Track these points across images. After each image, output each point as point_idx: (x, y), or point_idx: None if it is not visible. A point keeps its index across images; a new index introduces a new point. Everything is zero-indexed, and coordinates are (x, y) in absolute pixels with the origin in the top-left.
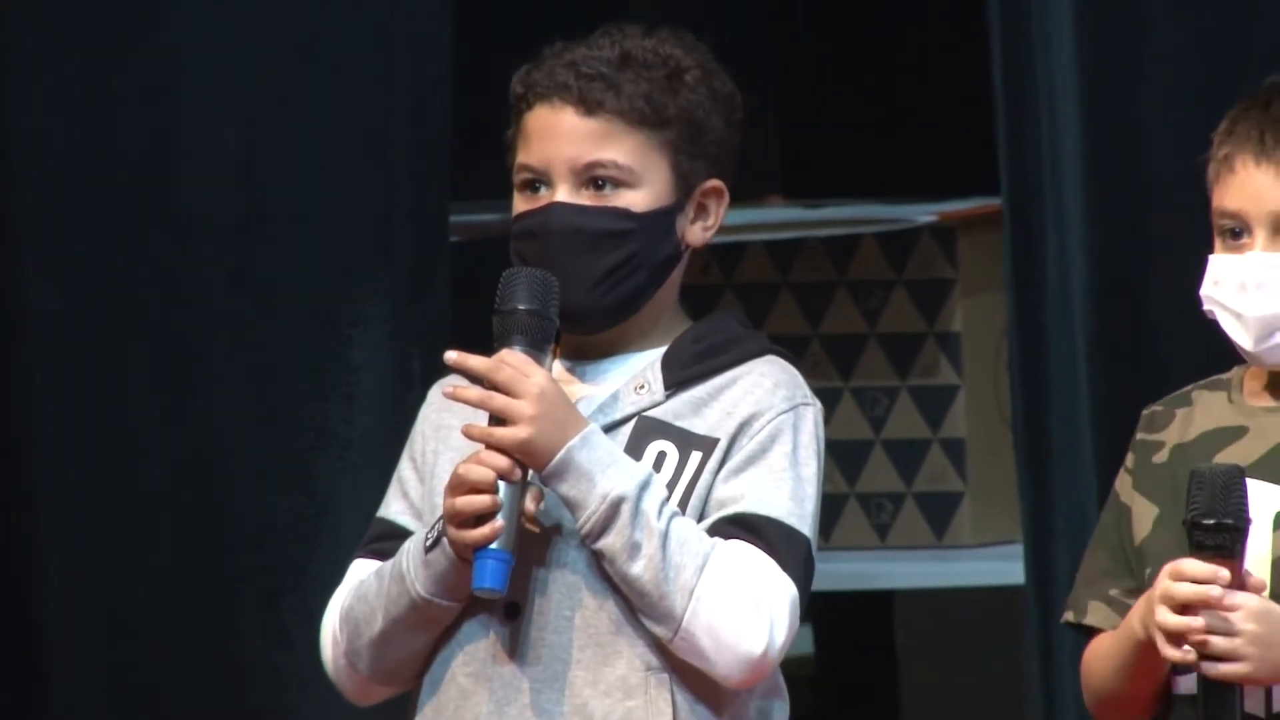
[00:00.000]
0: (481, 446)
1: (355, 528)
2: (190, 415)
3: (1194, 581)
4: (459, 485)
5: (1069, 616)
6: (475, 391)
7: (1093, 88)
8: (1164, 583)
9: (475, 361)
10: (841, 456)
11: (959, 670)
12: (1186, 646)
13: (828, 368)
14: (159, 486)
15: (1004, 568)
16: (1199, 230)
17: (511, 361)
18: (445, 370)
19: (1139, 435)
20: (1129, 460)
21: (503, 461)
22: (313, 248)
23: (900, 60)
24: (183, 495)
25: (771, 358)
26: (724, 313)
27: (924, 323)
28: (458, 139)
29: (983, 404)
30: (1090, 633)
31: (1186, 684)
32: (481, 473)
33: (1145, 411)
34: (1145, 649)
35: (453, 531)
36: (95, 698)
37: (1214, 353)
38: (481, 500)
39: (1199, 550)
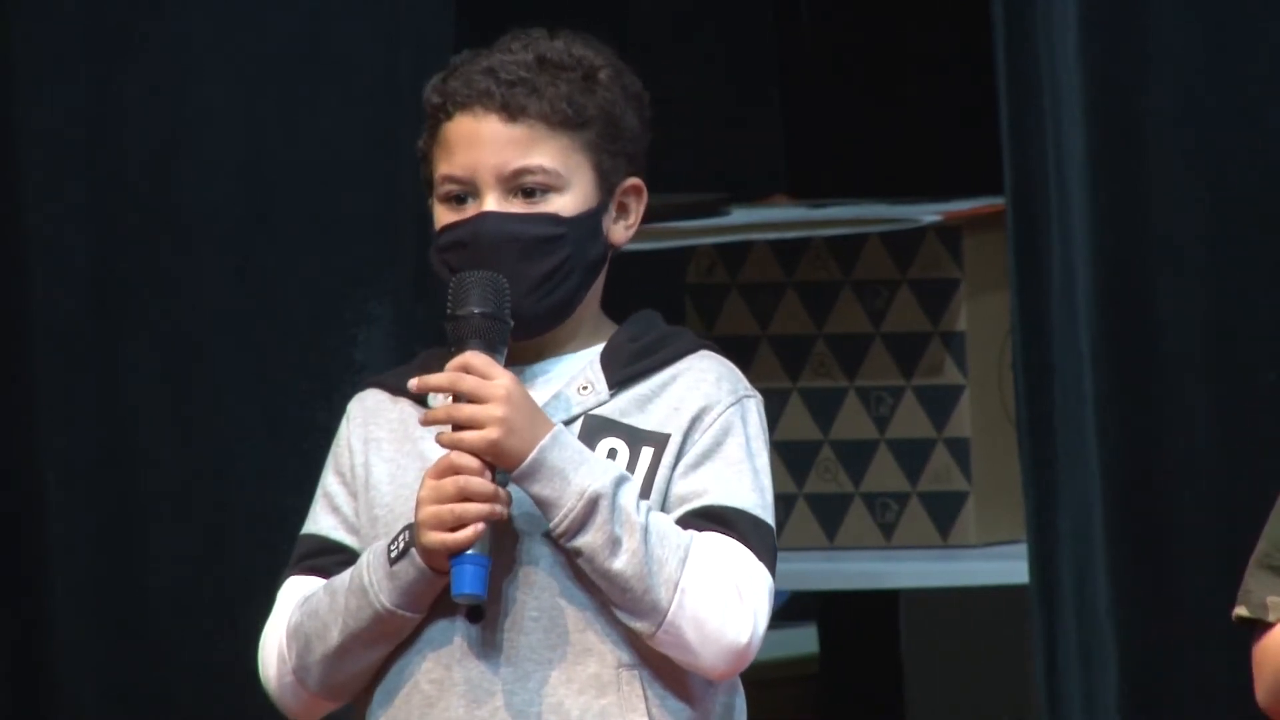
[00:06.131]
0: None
1: None
2: (195, 415)
3: None
4: (441, 493)
5: (1242, 612)
6: (442, 409)
7: (1098, 86)
8: None
9: (436, 379)
10: (846, 456)
11: (964, 670)
12: None
13: (832, 367)
14: (164, 486)
15: (1009, 567)
16: (1204, 229)
17: (475, 364)
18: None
19: None
20: None
21: (474, 464)
22: (317, 247)
23: (905, 60)
24: (187, 495)
25: (706, 352)
26: (647, 312)
27: (929, 322)
28: None
29: (988, 403)
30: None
31: None
32: (480, 483)
33: None
34: None
35: (433, 537)
36: (99, 698)
37: (1217, 352)
38: (479, 508)
39: None
